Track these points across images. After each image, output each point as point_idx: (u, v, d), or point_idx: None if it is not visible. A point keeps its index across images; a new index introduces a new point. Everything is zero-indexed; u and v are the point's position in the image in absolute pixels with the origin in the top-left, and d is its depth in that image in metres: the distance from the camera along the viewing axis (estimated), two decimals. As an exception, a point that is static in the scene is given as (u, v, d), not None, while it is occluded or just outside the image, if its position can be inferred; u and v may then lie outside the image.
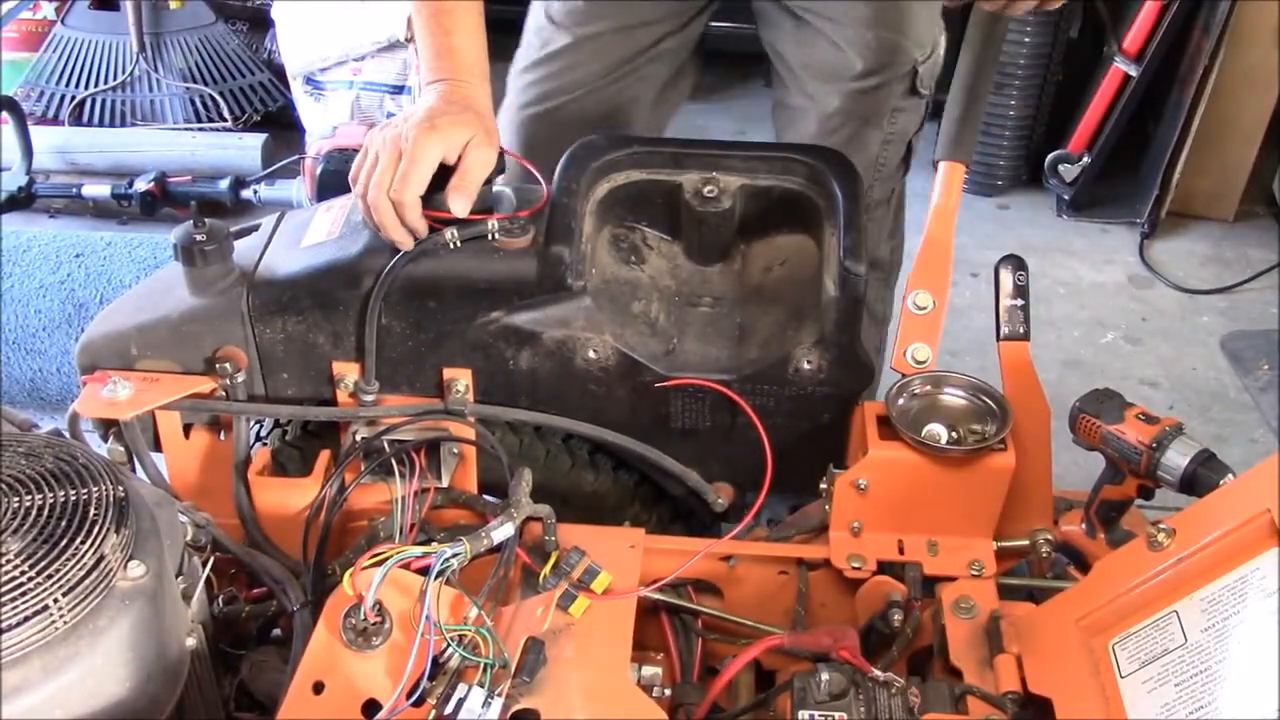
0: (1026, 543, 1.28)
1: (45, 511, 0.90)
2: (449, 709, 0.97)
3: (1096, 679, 0.98)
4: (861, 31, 1.72)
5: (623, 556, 1.19)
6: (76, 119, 3.64)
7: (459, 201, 1.30)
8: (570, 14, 1.79)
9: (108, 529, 0.90)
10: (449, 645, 1.01)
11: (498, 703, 0.97)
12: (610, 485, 1.47)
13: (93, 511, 0.91)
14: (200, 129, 3.60)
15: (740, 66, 3.83)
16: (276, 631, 1.26)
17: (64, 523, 0.89)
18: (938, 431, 1.25)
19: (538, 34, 1.83)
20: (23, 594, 0.84)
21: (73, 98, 3.64)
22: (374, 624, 1.02)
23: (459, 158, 1.30)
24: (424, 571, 1.05)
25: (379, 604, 1.02)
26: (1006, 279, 1.37)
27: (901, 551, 1.26)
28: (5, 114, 3.02)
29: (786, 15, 1.78)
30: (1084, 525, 1.35)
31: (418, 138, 1.27)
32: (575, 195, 1.35)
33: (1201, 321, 3.00)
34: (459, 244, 1.31)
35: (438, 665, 1.01)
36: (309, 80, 3.35)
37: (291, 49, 3.31)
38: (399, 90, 3.36)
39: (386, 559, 1.03)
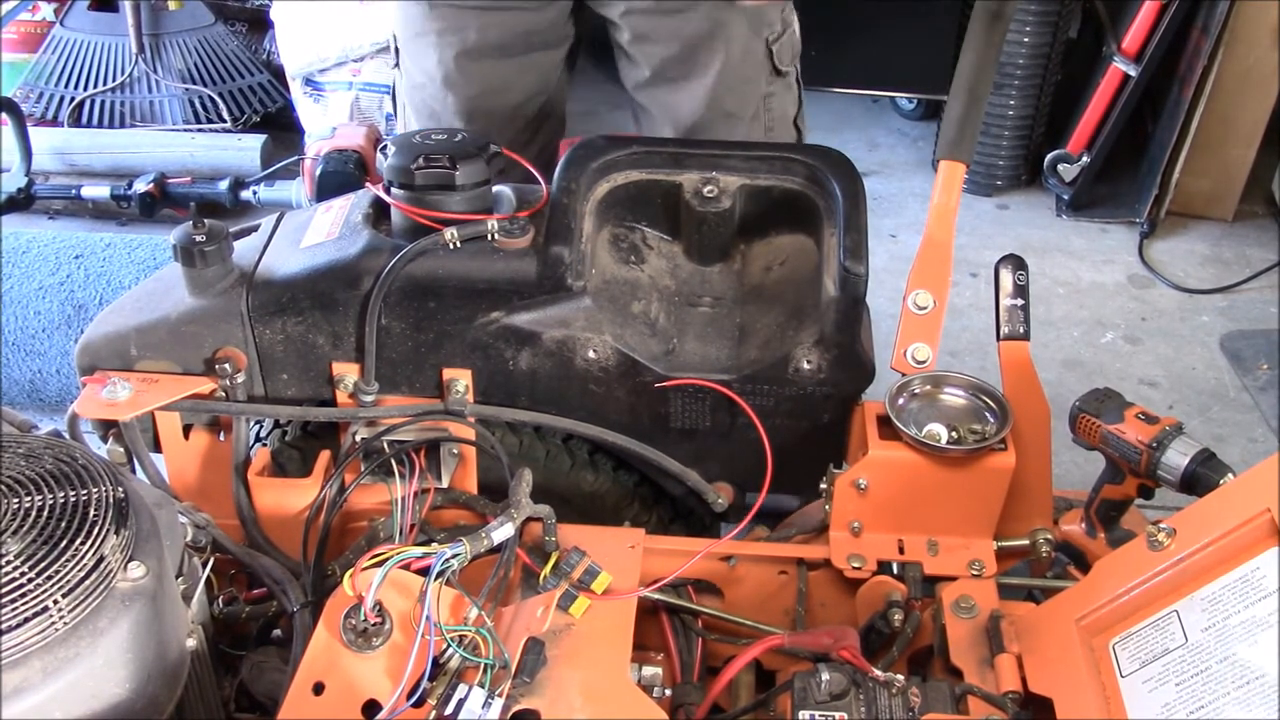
0: (1027, 542, 1.28)
1: (45, 512, 0.90)
2: (449, 709, 0.97)
3: (1097, 679, 0.98)
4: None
5: (623, 557, 1.19)
6: (75, 120, 3.63)
7: None
8: None
9: (108, 530, 0.90)
10: (449, 646, 1.01)
11: (498, 703, 0.97)
12: (610, 485, 1.47)
13: (93, 512, 0.91)
14: (199, 130, 3.60)
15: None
16: (276, 632, 1.26)
17: (64, 524, 0.89)
18: (938, 431, 1.25)
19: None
20: (23, 595, 0.84)
21: (72, 99, 3.63)
22: (374, 624, 1.02)
23: None
24: (424, 572, 1.05)
25: (379, 604, 1.02)
26: (1006, 279, 1.37)
27: (902, 551, 1.26)
28: (4, 115, 3.01)
29: (619, 29, 1.78)
30: (1084, 525, 1.35)
31: None
32: (575, 195, 1.35)
33: (1201, 321, 2.99)
34: (459, 244, 1.31)
35: (438, 666, 1.01)
36: (308, 81, 3.35)
37: (290, 50, 3.31)
38: (398, 91, 3.36)
39: (386, 559, 1.03)
